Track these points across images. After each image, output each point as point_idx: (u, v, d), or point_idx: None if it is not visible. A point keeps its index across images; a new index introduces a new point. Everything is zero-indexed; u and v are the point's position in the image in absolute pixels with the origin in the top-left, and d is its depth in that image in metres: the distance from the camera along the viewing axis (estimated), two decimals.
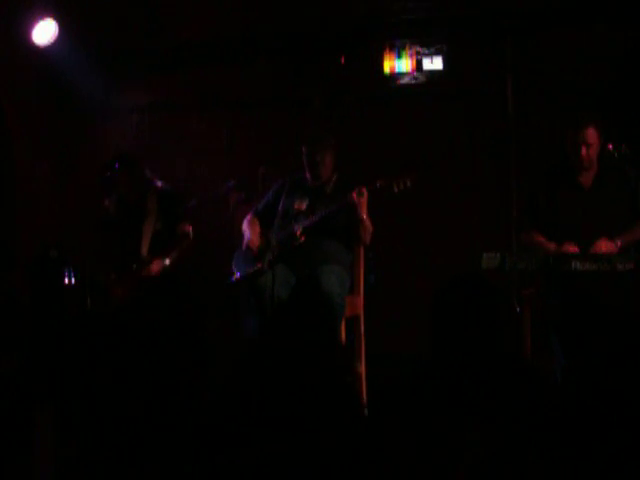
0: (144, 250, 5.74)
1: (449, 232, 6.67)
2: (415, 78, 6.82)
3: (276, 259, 5.18)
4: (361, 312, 5.35)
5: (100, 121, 7.60)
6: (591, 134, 4.94)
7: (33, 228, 7.15)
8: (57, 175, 7.54)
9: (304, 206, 5.42)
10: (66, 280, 6.08)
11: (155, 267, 5.66)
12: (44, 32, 6.66)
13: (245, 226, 5.64)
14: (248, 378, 2.61)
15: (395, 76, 6.87)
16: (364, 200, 5.17)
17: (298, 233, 5.27)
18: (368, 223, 5.30)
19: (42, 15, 6.60)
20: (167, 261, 5.65)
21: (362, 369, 5.15)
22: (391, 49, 6.82)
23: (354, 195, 5.13)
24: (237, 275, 5.30)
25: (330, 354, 2.60)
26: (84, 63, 7.06)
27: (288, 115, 7.04)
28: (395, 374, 2.87)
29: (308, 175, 5.51)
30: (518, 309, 4.89)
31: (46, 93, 7.40)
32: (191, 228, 5.72)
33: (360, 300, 5.38)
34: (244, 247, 5.47)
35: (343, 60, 6.85)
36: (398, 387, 2.74)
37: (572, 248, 4.83)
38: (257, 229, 5.57)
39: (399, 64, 6.84)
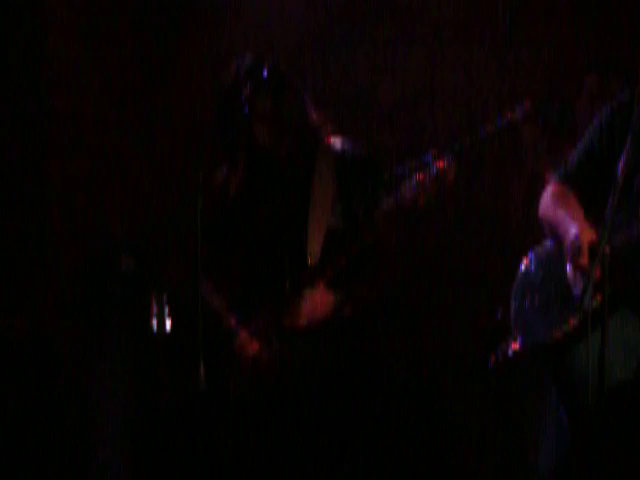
0: (311, 262, 3.86)
1: None
2: None
3: (613, 305, 3.21)
4: None
5: (210, 7, 5.13)
6: None
7: (79, 215, 5.17)
8: (130, 117, 5.21)
9: None
10: (155, 322, 3.79)
11: (317, 302, 3.73)
12: None
13: (547, 212, 3.50)
14: None
15: None
16: None
17: None
18: None
19: None
20: (340, 296, 3.74)
21: None
22: None
23: None
24: (518, 346, 3.37)
25: None
26: None
27: None
28: None
29: None
30: None
31: None
32: (394, 233, 3.76)
33: None
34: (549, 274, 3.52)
35: None
36: None
37: None
38: (585, 226, 3.34)
39: None
